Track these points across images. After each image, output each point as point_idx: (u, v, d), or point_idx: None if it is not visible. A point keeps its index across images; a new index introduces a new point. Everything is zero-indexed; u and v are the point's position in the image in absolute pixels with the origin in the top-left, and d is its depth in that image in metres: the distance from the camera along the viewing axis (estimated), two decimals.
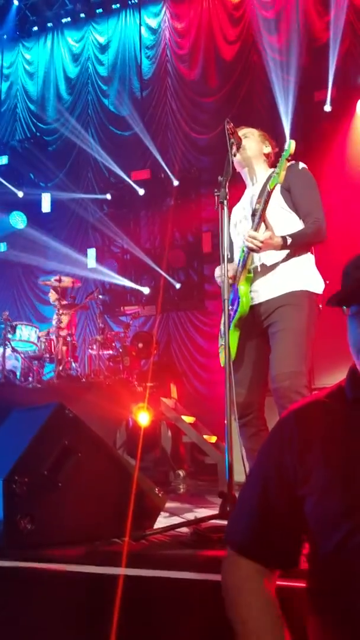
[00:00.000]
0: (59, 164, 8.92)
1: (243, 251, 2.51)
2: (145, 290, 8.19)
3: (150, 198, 8.25)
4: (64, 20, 9.22)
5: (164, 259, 7.81)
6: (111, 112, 8.68)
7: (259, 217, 2.37)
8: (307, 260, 2.53)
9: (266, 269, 2.49)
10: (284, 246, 2.36)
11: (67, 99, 9.09)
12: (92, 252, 8.59)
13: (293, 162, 2.56)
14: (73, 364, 6.10)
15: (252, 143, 2.68)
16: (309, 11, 7.14)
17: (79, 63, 9.10)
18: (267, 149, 2.73)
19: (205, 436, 5.67)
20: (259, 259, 2.50)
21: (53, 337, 6.07)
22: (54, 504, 1.95)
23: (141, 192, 8.29)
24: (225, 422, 2.29)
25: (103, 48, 8.92)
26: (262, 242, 2.30)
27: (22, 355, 6.00)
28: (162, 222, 8.14)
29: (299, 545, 1.15)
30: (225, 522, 2.02)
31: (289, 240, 2.36)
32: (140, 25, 8.59)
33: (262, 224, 2.37)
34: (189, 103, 8.07)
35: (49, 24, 9.30)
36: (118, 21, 8.83)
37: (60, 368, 5.84)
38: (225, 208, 2.38)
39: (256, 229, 2.36)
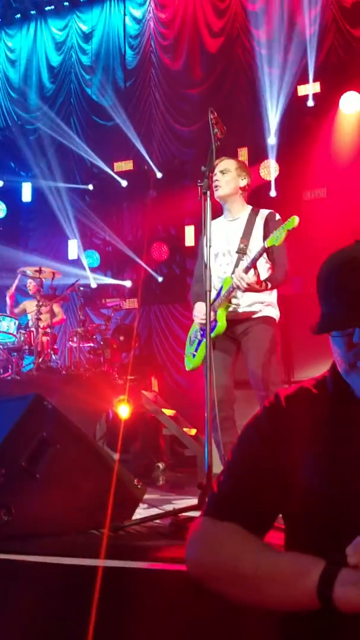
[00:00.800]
0: (40, 153, 8.80)
1: (226, 283, 2.91)
2: (127, 283, 8.15)
3: (133, 190, 8.19)
4: (47, 8, 9.08)
5: (147, 251, 7.78)
6: (94, 101, 8.59)
7: (250, 263, 2.81)
8: (275, 293, 3.06)
9: (246, 298, 2.96)
10: (264, 290, 2.88)
11: (50, 87, 8.96)
12: (73, 243, 8.51)
13: (272, 211, 3.07)
14: (53, 356, 6.05)
15: (229, 179, 3.02)
16: (294, 5, 7.14)
17: (62, 52, 8.98)
18: (244, 182, 3.07)
19: (185, 429, 5.69)
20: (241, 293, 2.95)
21: (32, 328, 6.01)
22: (32, 495, 1.93)
23: (124, 183, 8.23)
24: (206, 414, 2.31)
25: (87, 37, 8.81)
26: (248, 284, 2.77)
27: (1, 347, 5.93)
28: (145, 214, 8.10)
29: (274, 518, 1.13)
30: None
31: (269, 285, 2.88)
32: (124, 15, 8.50)
33: (252, 269, 2.82)
34: (173, 94, 8.02)
35: (32, 12, 9.15)
36: (102, 10, 8.72)
37: (40, 360, 5.79)
38: (209, 199, 2.39)
39: (246, 272, 2.79)
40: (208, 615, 1.59)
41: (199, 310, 2.99)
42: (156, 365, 7.30)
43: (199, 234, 7.28)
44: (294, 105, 6.84)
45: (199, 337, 3.07)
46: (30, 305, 6.56)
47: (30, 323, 6.21)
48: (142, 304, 7.93)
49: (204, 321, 2.69)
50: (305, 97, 6.82)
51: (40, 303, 6.08)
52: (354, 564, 0.88)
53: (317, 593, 0.88)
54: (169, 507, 2.71)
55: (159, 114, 8.05)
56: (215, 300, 2.90)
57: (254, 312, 2.98)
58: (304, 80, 6.83)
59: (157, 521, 2.11)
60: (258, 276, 2.80)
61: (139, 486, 2.20)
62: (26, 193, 8.84)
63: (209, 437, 2.30)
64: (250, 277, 2.78)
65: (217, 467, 2.43)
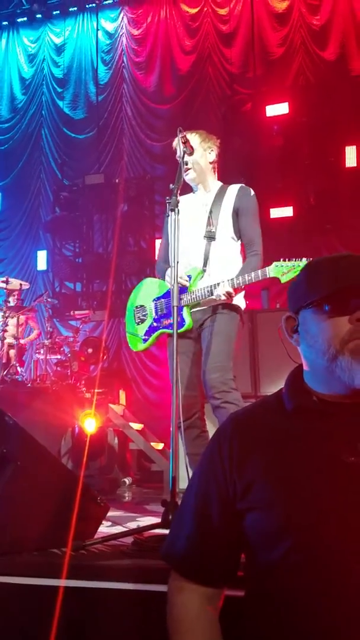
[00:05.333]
0: (11, 164, 8.74)
1: (196, 275, 2.68)
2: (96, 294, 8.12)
3: (103, 203, 8.20)
4: (19, 20, 9.07)
5: (117, 264, 7.77)
6: (66, 114, 8.60)
7: (240, 285, 2.54)
8: None
9: (218, 279, 2.66)
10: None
11: (21, 99, 8.94)
12: (42, 254, 8.44)
13: (243, 185, 2.77)
14: (19, 369, 5.96)
15: (198, 158, 2.75)
16: (264, 26, 7.32)
17: (34, 64, 8.98)
18: (212, 156, 2.81)
19: (152, 443, 5.65)
20: (216, 270, 2.67)
21: None
22: None
23: (94, 196, 8.23)
24: (171, 429, 2.30)
25: (59, 49, 8.84)
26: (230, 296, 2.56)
27: None
28: (115, 227, 8.11)
29: (238, 560, 1.14)
30: (167, 531, 2.01)
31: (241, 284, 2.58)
32: (97, 29, 8.56)
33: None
34: (145, 110, 8.10)
35: (4, 23, 9.13)
36: (75, 23, 8.76)
37: (5, 373, 5.69)
38: (177, 216, 2.40)
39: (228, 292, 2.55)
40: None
41: (170, 276, 2.67)
42: (124, 379, 7.25)
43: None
44: (262, 125, 6.97)
45: (151, 318, 2.84)
46: None
47: None
48: (112, 316, 7.90)
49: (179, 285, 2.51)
50: (274, 117, 6.95)
51: (7, 314, 6.00)
52: None
53: None
54: (132, 525, 2.68)
55: (130, 129, 8.12)
56: (181, 294, 2.69)
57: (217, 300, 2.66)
58: (272, 100, 6.97)
59: (121, 539, 2.09)
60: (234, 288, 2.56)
61: (102, 504, 2.17)
62: None
63: (175, 452, 2.29)
64: (230, 290, 2.54)
65: (183, 483, 2.43)
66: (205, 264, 2.69)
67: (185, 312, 2.70)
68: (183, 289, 2.71)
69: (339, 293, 1.03)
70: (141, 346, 2.90)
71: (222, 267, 2.66)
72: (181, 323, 2.69)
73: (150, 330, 2.86)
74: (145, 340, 2.87)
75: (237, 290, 2.58)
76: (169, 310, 2.76)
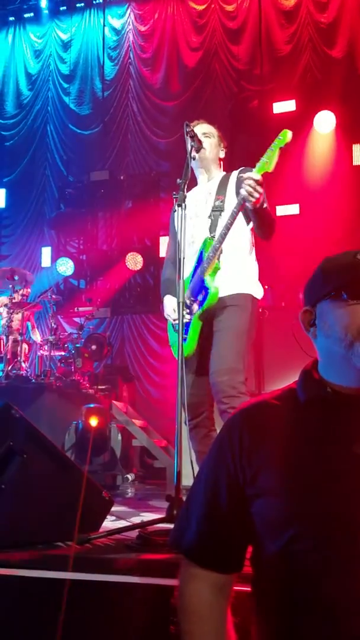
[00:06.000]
0: (16, 160, 8.74)
1: (207, 245, 2.54)
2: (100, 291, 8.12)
3: (108, 199, 8.19)
4: (26, 15, 9.06)
5: (121, 261, 7.77)
6: (72, 110, 8.59)
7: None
8: (255, 267, 2.67)
9: (226, 267, 2.54)
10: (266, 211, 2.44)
11: (27, 94, 8.93)
12: (47, 251, 8.45)
13: (243, 167, 2.70)
14: (23, 364, 5.97)
15: (212, 145, 2.77)
16: (272, 23, 7.30)
17: (41, 59, 8.97)
18: (222, 154, 2.88)
19: (155, 440, 5.66)
20: (224, 257, 2.54)
21: (3, 336, 5.93)
22: None
23: (99, 192, 8.22)
24: (176, 425, 2.30)
25: (65, 46, 8.83)
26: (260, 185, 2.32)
27: None
28: (120, 224, 8.11)
29: (247, 547, 1.14)
30: (171, 526, 2.01)
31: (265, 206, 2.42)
32: (104, 25, 8.55)
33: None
34: (151, 106, 8.08)
35: (11, 18, 9.12)
36: (82, 19, 8.75)
37: (9, 368, 5.70)
38: (183, 211, 2.39)
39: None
40: (174, 627, 1.59)
41: (169, 306, 2.63)
42: (128, 375, 7.27)
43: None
44: (269, 121, 6.95)
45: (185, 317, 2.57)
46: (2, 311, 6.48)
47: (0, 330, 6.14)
48: (116, 313, 7.90)
49: (176, 321, 2.35)
50: (281, 114, 6.93)
51: (12, 310, 6.01)
52: None
53: None
54: (136, 519, 2.68)
55: (136, 125, 8.11)
56: (196, 268, 2.56)
57: (230, 288, 2.51)
58: (279, 97, 6.95)
59: (125, 533, 2.09)
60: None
61: (107, 498, 2.18)
62: (0, 199, 8.76)
63: (179, 448, 2.29)
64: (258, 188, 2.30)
65: (187, 479, 2.43)
66: (212, 231, 2.55)
67: (209, 281, 2.49)
68: (198, 263, 2.57)
69: (356, 281, 1.03)
70: (186, 348, 2.51)
71: (230, 235, 2.49)
72: (205, 296, 2.47)
73: (188, 324, 2.57)
74: (185, 340, 2.54)
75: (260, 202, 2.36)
76: (194, 292, 2.56)
